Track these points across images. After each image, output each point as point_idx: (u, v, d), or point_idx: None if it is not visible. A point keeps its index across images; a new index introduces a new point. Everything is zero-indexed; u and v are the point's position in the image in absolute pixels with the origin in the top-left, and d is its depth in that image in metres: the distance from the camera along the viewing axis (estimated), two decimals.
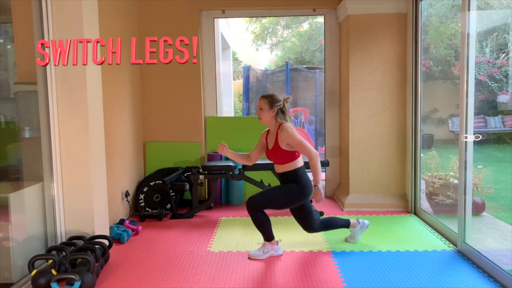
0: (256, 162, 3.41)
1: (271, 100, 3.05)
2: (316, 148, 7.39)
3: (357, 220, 3.38)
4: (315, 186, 3.01)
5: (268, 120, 3.09)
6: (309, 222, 3.18)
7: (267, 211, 3.12)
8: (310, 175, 3.09)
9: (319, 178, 3.00)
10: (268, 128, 3.20)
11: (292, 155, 3.03)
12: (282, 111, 3.08)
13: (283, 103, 3.08)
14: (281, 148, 3.01)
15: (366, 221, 3.41)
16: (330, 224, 3.29)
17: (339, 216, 3.54)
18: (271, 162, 3.20)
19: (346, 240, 3.39)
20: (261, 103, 3.08)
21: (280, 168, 3.09)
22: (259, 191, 4.25)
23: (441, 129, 8.31)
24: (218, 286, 2.65)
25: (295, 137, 2.97)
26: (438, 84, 8.31)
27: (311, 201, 3.61)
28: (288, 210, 3.25)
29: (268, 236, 3.12)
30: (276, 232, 3.46)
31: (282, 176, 3.12)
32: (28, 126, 3.04)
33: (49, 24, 2.90)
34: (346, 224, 3.32)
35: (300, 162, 3.09)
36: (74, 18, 2.93)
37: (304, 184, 3.05)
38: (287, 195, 3.04)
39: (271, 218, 3.25)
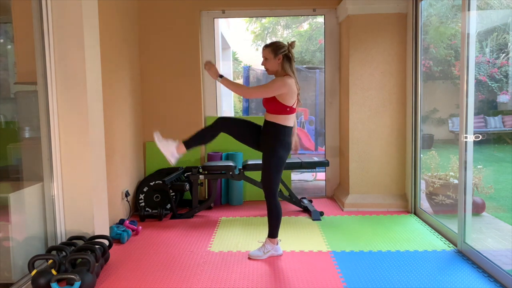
0: (257, 162, 3.40)
1: (274, 47, 2.95)
2: (316, 148, 7.40)
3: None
4: (220, 75, 2.94)
5: (275, 69, 2.99)
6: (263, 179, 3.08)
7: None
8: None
9: (229, 80, 2.96)
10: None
11: (280, 108, 2.93)
12: (288, 58, 2.97)
13: (288, 48, 2.97)
14: (273, 96, 2.93)
15: (280, 251, 3.19)
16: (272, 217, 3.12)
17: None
18: None
19: (249, 256, 3.13)
20: (265, 53, 2.98)
21: (268, 117, 3.01)
22: (259, 191, 4.27)
23: (441, 129, 8.31)
24: (218, 286, 2.65)
25: (272, 82, 2.89)
26: (438, 84, 8.31)
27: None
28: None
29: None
30: None
31: (265, 125, 3.03)
32: (28, 126, 3.04)
33: (49, 24, 2.90)
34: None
35: (288, 120, 2.98)
36: (74, 18, 2.93)
37: (282, 141, 2.96)
38: (275, 164, 2.98)
39: None
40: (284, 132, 2.98)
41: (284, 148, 3.00)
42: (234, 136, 3.13)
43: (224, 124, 3.06)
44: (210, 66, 2.99)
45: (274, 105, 2.95)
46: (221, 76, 2.95)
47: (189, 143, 3.10)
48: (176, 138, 3.12)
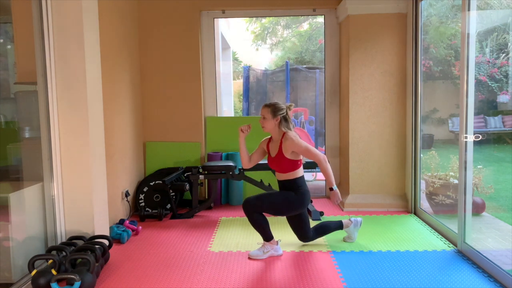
0: (259, 162, 3.42)
1: (274, 108, 3.07)
2: (316, 148, 7.40)
3: (349, 220, 3.39)
4: (330, 189, 3.03)
5: (271, 129, 3.10)
6: (304, 231, 3.23)
7: None
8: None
9: (332, 180, 3.02)
10: (270, 136, 3.21)
11: (294, 164, 3.06)
12: (285, 119, 3.09)
13: (286, 111, 3.09)
14: (285, 157, 3.04)
15: (359, 218, 3.42)
16: (323, 230, 3.32)
17: (330, 217, 3.53)
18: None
19: (344, 241, 3.39)
20: (264, 112, 3.09)
21: (282, 176, 3.12)
22: (259, 191, 4.27)
23: (441, 129, 8.31)
24: (218, 286, 2.65)
25: (301, 145, 2.99)
26: (438, 84, 8.30)
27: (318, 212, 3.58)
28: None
29: (267, 236, 3.13)
30: (276, 232, 3.46)
31: (282, 184, 3.15)
32: (28, 126, 3.04)
33: (49, 24, 2.91)
34: (339, 226, 3.34)
35: (301, 171, 3.12)
36: (74, 18, 2.93)
37: (302, 193, 3.08)
38: (284, 202, 3.07)
39: (270, 219, 3.24)
40: (302, 182, 3.11)
41: (301, 198, 3.07)
42: (266, 212, 3.16)
43: (252, 208, 3.07)
44: (337, 198, 3.03)
45: (285, 164, 3.06)
46: (331, 189, 3.03)
47: (266, 236, 3.14)
48: (260, 242, 3.20)
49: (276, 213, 3.16)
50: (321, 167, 3.01)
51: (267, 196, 3.12)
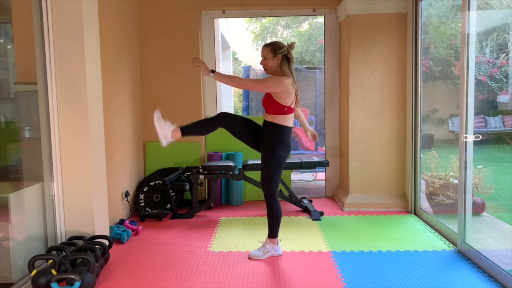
0: (257, 162, 3.41)
1: (274, 47, 2.95)
2: (316, 148, 7.39)
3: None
4: (212, 70, 2.91)
5: (273, 70, 2.99)
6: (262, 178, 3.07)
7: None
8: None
9: (222, 74, 2.93)
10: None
11: (279, 108, 2.94)
12: (287, 58, 2.97)
13: (288, 49, 2.97)
14: (270, 96, 2.94)
15: (280, 251, 3.18)
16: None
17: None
18: None
19: (249, 257, 3.13)
20: (264, 52, 2.98)
21: (267, 117, 3.01)
22: (259, 191, 4.27)
23: (441, 129, 8.30)
24: (218, 286, 2.65)
25: (268, 78, 2.90)
26: (438, 84, 8.30)
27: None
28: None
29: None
30: None
31: (264, 124, 3.03)
32: (28, 126, 3.04)
33: (49, 24, 2.90)
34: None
35: (286, 120, 2.98)
36: (74, 18, 2.93)
37: (282, 141, 2.96)
38: (274, 164, 2.98)
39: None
40: (283, 132, 2.98)
41: (283, 148, 2.99)
42: (233, 133, 3.12)
43: (224, 119, 3.05)
44: (200, 62, 2.94)
45: (272, 105, 2.96)
46: (213, 71, 2.92)
47: (186, 130, 3.06)
48: (175, 122, 3.08)
49: (279, 171, 3.03)
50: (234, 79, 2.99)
51: (264, 169, 3.02)
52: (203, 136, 4.78)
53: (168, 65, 4.70)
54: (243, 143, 3.21)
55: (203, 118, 3.00)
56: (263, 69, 3.06)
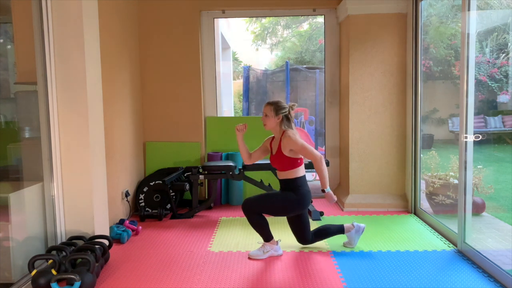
0: (257, 162, 3.43)
1: (276, 107, 3.07)
2: (316, 148, 7.41)
3: (352, 224, 3.28)
4: (322, 190, 3.02)
5: (273, 127, 3.11)
6: (304, 233, 3.21)
7: None
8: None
9: (326, 181, 3.01)
10: (273, 135, 3.21)
11: (294, 163, 3.05)
12: (287, 118, 3.09)
13: (289, 110, 3.09)
14: (284, 155, 3.03)
15: (362, 225, 3.30)
16: (324, 233, 3.27)
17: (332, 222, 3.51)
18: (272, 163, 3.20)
19: (344, 245, 3.32)
20: (266, 109, 3.10)
21: (282, 175, 3.11)
22: (259, 191, 4.28)
23: (441, 129, 8.30)
24: (218, 286, 2.65)
25: (297, 142, 2.98)
26: (438, 84, 8.30)
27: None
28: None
29: (267, 236, 3.13)
30: (276, 232, 3.47)
31: (282, 183, 3.14)
32: (28, 126, 3.04)
33: (49, 24, 2.91)
34: (340, 230, 3.26)
35: (301, 171, 3.10)
36: (74, 18, 2.93)
37: (302, 193, 3.06)
38: (284, 203, 3.06)
39: (269, 219, 3.24)
40: (302, 182, 3.09)
41: (301, 199, 3.05)
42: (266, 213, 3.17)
43: (252, 209, 3.07)
44: (332, 200, 3.04)
45: (285, 162, 3.05)
46: (323, 191, 3.03)
47: (265, 236, 3.14)
48: (261, 242, 3.20)
49: (276, 213, 3.15)
50: (316, 166, 2.99)
51: (267, 197, 3.12)
52: (203, 136, 4.78)
53: (168, 65, 4.70)
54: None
55: (252, 224, 3.15)
56: (263, 124, 3.13)
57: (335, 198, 3.04)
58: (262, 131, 3.52)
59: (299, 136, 3.05)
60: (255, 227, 3.11)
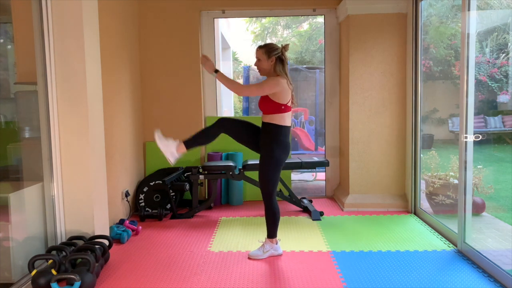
0: (257, 162, 3.41)
1: (268, 49, 2.98)
2: (316, 148, 7.40)
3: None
4: (216, 70, 2.97)
5: (267, 71, 3.02)
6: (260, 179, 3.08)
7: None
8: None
9: (224, 76, 2.98)
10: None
11: (276, 107, 2.95)
12: (281, 60, 2.99)
13: (282, 51, 2.99)
14: (267, 96, 2.96)
15: (280, 250, 3.18)
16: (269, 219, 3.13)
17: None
18: None
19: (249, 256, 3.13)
20: (258, 53, 3.01)
21: (265, 118, 3.02)
22: (259, 191, 4.27)
23: (441, 129, 8.30)
24: (218, 286, 2.65)
25: (265, 81, 2.92)
26: (438, 84, 8.29)
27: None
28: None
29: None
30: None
31: (263, 126, 3.04)
32: (28, 126, 3.04)
33: (49, 24, 2.90)
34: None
35: (284, 119, 2.98)
36: (74, 18, 2.93)
37: (280, 142, 2.97)
38: (271, 164, 2.99)
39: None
40: (281, 132, 2.99)
41: (282, 148, 3.00)
42: (234, 137, 3.14)
43: (224, 125, 3.07)
44: (206, 59, 3.01)
45: (269, 104, 2.97)
46: (216, 71, 2.97)
47: (190, 143, 3.12)
48: (177, 138, 3.12)
49: (277, 175, 3.04)
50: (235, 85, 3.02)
51: (262, 173, 3.04)
52: None
53: (168, 65, 4.70)
54: (243, 145, 3.24)
55: (202, 128, 3.03)
56: (257, 70, 3.07)
57: (211, 68, 2.97)
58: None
59: (281, 84, 2.90)
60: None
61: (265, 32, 12.53)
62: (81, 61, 2.96)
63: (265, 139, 3.02)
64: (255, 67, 3.08)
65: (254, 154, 4.02)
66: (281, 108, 2.96)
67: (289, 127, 3.05)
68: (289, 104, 2.99)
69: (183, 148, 3.10)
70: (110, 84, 3.73)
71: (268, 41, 12.71)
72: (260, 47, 3.02)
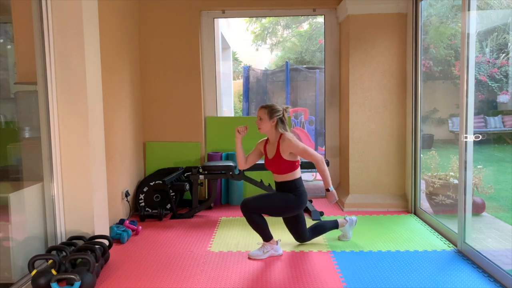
0: (257, 162, 3.43)
1: (270, 110, 3.08)
2: (316, 148, 7.41)
3: (345, 219, 3.42)
4: (326, 189, 3.04)
5: (267, 130, 3.11)
6: (301, 231, 3.24)
7: None
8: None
9: (329, 180, 3.04)
10: (266, 137, 3.21)
11: (292, 166, 3.07)
12: (282, 121, 3.11)
13: (283, 112, 3.10)
14: (283, 158, 3.04)
15: (354, 217, 3.46)
16: (320, 230, 3.33)
17: (327, 217, 3.52)
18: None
19: (339, 239, 3.42)
20: (260, 113, 3.10)
21: (279, 178, 3.12)
22: (259, 191, 4.28)
23: (441, 129, 8.29)
24: (218, 286, 2.65)
25: (298, 146, 3.00)
26: (438, 84, 8.29)
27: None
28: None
29: (266, 236, 3.13)
30: (276, 232, 3.46)
31: (280, 185, 3.15)
32: (28, 126, 3.04)
33: (49, 24, 2.91)
34: (335, 225, 3.37)
35: (298, 172, 3.13)
36: (74, 18, 2.93)
37: (300, 194, 3.09)
38: (283, 204, 3.08)
39: (269, 219, 3.24)
40: (300, 183, 3.13)
41: (299, 199, 3.08)
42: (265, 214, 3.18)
43: (251, 210, 3.08)
44: (333, 198, 3.06)
45: (283, 165, 3.07)
46: (327, 190, 3.05)
47: (264, 236, 3.13)
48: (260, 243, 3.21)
49: (274, 214, 3.16)
50: (318, 168, 3.03)
51: (266, 197, 3.12)
52: (203, 136, 4.78)
53: (168, 65, 4.70)
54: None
55: (247, 220, 3.14)
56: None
57: (337, 197, 3.07)
58: (258, 132, 3.50)
59: (297, 139, 3.07)
60: (254, 227, 3.12)
61: (265, 32, 12.53)
62: (81, 61, 2.96)
63: (290, 192, 3.11)
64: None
65: None
66: (295, 165, 3.09)
67: (301, 177, 3.17)
68: (298, 158, 3.10)
69: (271, 243, 3.14)
70: (110, 84, 3.73)
71: (268, 41, 12.72)
72: (262, 107, 3.12)
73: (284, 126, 3.11)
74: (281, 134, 3.07)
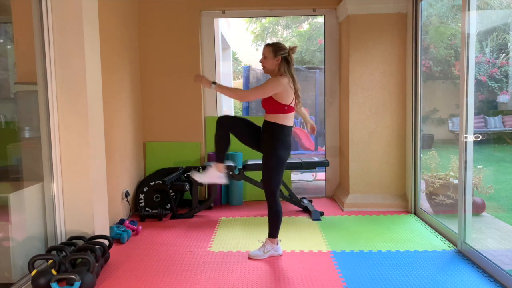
0: (257, 162, 3.42)
1: (275, 48, 2.96)
2: (316, 148, 7.40)
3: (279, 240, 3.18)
4: (213, 82, 2.95)
5: (271, 69, 3.00)
6: (264, 179, 3.06)
7: None
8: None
9: (223, 86, 2.98)
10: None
11: (278, 107, 2.94)
12: (286, 61, 2.97)
13: (289, 52, 2.97)
14: (270, 96, 2.95)
15: (280, 251, 3.16)
16: (275, 219, 3.11)
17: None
18: None
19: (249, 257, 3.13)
20: (265, 51, 2.99)
21: (267, 117, 3.02)
22: (259, 191, 4.27)
23: (441, 129, 8.30)
24: (218, 286, 2.65)
25: (266, 83, 2.91)
26: (438, 84, 8.29)
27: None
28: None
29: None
30: None
31: (265, 124, 3.04)
32: (28, 126, 3.04)
33: (49, 24, 2.90)
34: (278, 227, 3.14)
35: (287, 119, 2.97)
36: (74, 18, 2.93)
37: (279, 140, 2.96)
38: (275, 163, 2.99)
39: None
40: (283, 132, 2.99)
41: (284, 147, 3.00)
42: (235, 135, 3.14)
43: (222, 123, 3.07)
44: (200, 78, 3.01)
45: (272, 104, 2.96)
46: (214, 83, 2.96)
47: (219, 156, 3.12)
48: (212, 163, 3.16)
49: (279, 173, 3.03)
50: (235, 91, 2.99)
51: (264, 169, 3.04)
52: (203, 136, 4.78)
53: (168, 65, 4.70)
54: (243, 143, 3.24)
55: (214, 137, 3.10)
56: (261, 67, 3.07)
57: (202, 80, 2.96)
58: None
59: (283, 85, 2.89)
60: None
61: (265, 32, 12.53)
62: (81, 61, 2.96)
63: (268, 138, 3.02)
64: (260, 65, 3.07)
65: (254, 154, 4.03)
66: (284, 109, 2.96)
67: (291, 127, 3.05)
68: (292, 105, 2.99)
69: (220, 165, 3.12)
70: (110, 84, 3.73)
71: (268, 41, 12.71)
72: (268, 45, 3.01)
73: (288, 68, 2.96)
74: (280, 75, 2.95)
